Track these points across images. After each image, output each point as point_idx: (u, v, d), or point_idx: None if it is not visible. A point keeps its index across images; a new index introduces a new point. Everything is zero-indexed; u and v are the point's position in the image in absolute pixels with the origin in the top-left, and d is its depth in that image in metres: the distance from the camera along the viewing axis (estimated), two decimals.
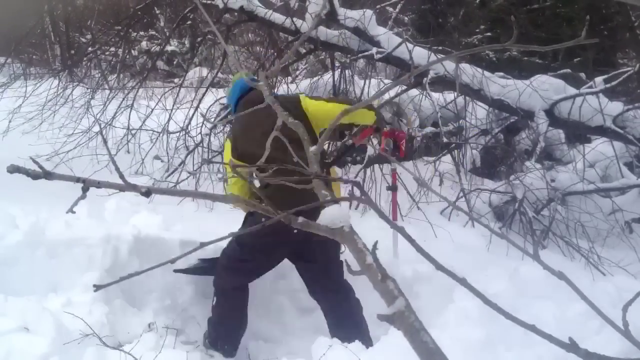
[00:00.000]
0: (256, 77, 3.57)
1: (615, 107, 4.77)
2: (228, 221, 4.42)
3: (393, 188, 4.08)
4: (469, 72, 5.00)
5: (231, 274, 3.14)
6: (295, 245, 3.07)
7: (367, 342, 2.97)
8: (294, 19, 5.55)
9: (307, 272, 3.23)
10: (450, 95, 6.05)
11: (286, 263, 3.74)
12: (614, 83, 5.07)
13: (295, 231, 2.84)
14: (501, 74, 5.40)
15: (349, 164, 5.98)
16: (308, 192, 1.23)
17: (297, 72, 8.73)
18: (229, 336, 3.18)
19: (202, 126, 6.11)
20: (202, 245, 1.11)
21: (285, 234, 2.72)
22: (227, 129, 6.41)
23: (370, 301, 3.16)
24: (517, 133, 6.06)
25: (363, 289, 3.32)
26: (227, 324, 3.18)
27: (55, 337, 2.66)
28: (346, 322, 3.12)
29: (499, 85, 5.04)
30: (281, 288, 3.65)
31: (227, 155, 3.07)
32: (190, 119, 6.20)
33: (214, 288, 3.21)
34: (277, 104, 1.44)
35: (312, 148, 1.32)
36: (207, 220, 4.50)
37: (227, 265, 3.16)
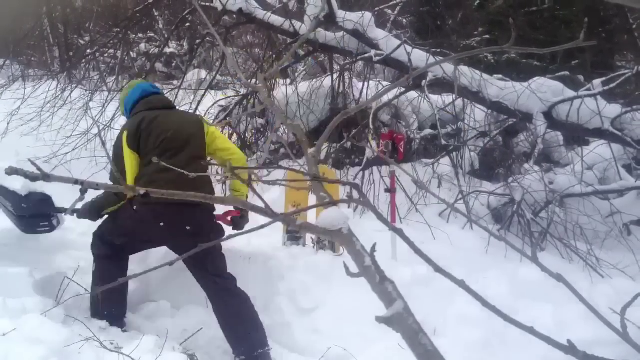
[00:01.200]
0: (158, 87, 3.85)
1: (613, 109, 4.78)
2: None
3: (391, 190, 4.08)
4: (468, 75, 5.01)
5: (105, 244, 3.30)
6: (176, 241, 3.25)
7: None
8: (293, 21, 5.55)
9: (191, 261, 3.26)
10: (449, 98, 6.06)
11: (286, 264, 3.75)
12: (612, 85, 5.08)
13: (188, 228, 3.11)
14: (500, 76, 5.40)
15: (348, 166, 5.98)
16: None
17: (296, 74, 8.73)
18: (110, 300, 3.24)
19: None
20: (200, 246, 1.11)
21: (176, 230, 3.13)
22: (225, 130, 6.41)
23: (368, 303, 3.16)
24: (515, 135, 6.06)
25: (361, 290, 3.32)
26: (111, 290, 3.20)
27: (54, 339, 2.65)
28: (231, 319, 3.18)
29: (498, 87, 5.05)
30: (280, 289, 3.65)
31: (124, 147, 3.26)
32: None
33: (92, 255, 3.36)
34: (275, 106, 1.44)
35: (310, 150, 1.32)
36: None
37: (101, 237, 3.32)
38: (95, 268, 3.33)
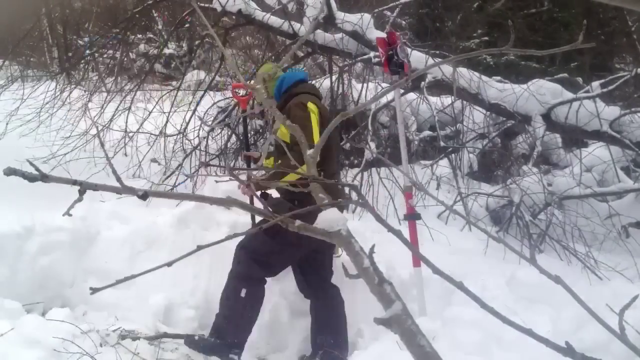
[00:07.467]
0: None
1: (611, 111, 4.79)
2: (223, 224, 4.42)
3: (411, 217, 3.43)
4: (467, 76, 5.02)
5: (259, 266, 3.08)
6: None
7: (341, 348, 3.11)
8: (292, 23, 5.56)
9: (310, 264, 3.29)
10: (447, 99, 6.06)
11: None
12: (610, 88, 5.09)
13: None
14: (498, 78, 5.41)
15: (347, 167, 5.97)
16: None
17: None
18: (245, 330, 3.05)
19: (199, 129, 6.11)
20: (199, 247, 1.11)
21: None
22: (224, 131, 6.40)
23: (367, 304, 3.16)
24: (514, 137, 6.07)
25: (360, 292, 3.32)
26: (251, 316, 3.08)
27: (50, 341, 2.64)
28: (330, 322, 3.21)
29: (496, 89, 5.06)
30: (278, 289, 3.65)
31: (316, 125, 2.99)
32: (188, 122, 6.20)
33: (236, 278, 3.07)
34: (274, 109, 1.44)
35: (309, 151, 1.32)
36: (202, 223, 4.49)
37: (255, 257, 3.07)
38: (239, 290, 3.04)
